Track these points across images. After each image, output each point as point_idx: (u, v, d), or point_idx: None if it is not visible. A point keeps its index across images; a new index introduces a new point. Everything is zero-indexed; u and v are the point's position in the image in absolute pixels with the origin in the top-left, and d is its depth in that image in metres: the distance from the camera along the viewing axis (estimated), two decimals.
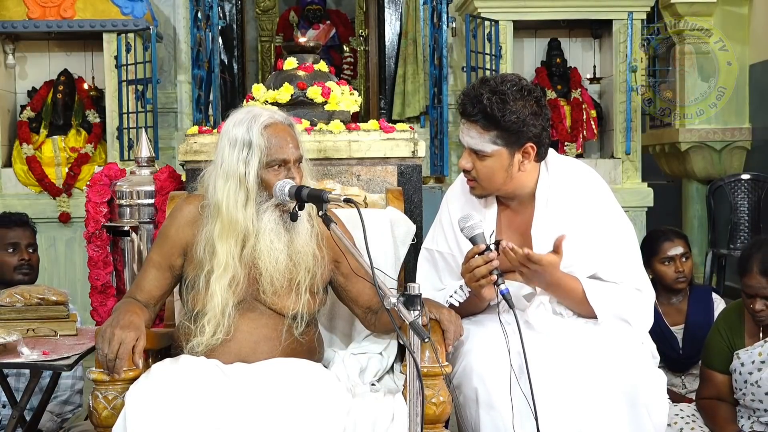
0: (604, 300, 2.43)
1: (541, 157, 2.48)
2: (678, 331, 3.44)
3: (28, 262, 3.50)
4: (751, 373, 2.88)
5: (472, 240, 2.35)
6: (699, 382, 3.15)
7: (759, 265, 2.83)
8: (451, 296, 2.48)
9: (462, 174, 2.55)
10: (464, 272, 2.38)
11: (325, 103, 3.34)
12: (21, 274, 3.46)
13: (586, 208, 2.49)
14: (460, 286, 2.47)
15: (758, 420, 2.91)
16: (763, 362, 2.85)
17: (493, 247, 2.34)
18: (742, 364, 2.90)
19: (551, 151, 2.55)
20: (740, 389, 2.92)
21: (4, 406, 3.24)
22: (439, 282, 2.62)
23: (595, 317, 2.44)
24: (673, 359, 3.39)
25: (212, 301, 2.32)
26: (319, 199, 2.24)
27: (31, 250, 3.53)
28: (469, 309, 2.52)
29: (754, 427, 2.92)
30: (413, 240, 2.89)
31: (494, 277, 2.31)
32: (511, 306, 2.28)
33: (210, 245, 2.35)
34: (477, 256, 2.33)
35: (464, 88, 2.50)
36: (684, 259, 3.45)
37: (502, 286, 2.30)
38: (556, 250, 2.36)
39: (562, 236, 2.37)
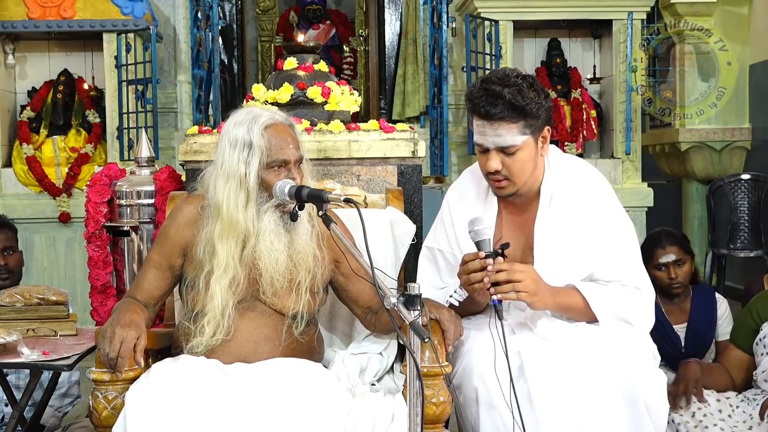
0: (604, 303, 2.43)
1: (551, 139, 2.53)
2: (681, 329, 3.45)
3: (5, 267, 3.40)
4: None
5: (478, 245, 2.35)
6: (718, 353, 3.23)
7: None
8: (451, 296, 2.48)
9: (464, 172, 2.55)
10: (461, 274, 2.38)
11: (325, 103, 3.34)
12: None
13: (588, 206, 2.49)
14: (460, 285, 2.47)
15: None
16: None
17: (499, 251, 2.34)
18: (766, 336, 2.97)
19: (554, 148, 2.55)
20: (763, 353, 2.97)
21: (6, 405, 3.24)
22: (440, 280, 2.62)
23: (596, 321, 2.44)
24: (675, 357, 3.39)
25: (212, 301, 2.32)
26: (319, 199, 2.24)
27: (9, 253, 3.44)
28: (469, 308, 2.52)
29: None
30: (413, 240, 2.89)
31: (487, 283, 2.31)
32: (500, 317, 2.27)
33: (210, 246, 2.35)
34: (477, 260, 2.33)
35: (468, 90, 2.49)
36: (678, 265, 3.45)
37: (495, 297, 2.30)
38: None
39: None
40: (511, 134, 2.40)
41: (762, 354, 2.99)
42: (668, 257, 3.44)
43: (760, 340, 2.99)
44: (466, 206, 2.57)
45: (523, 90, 2.39)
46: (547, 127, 2.47)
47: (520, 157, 2.43)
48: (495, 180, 2.47)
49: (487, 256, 2.31)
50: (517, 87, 2.39)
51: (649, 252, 3.48)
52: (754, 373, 3.04)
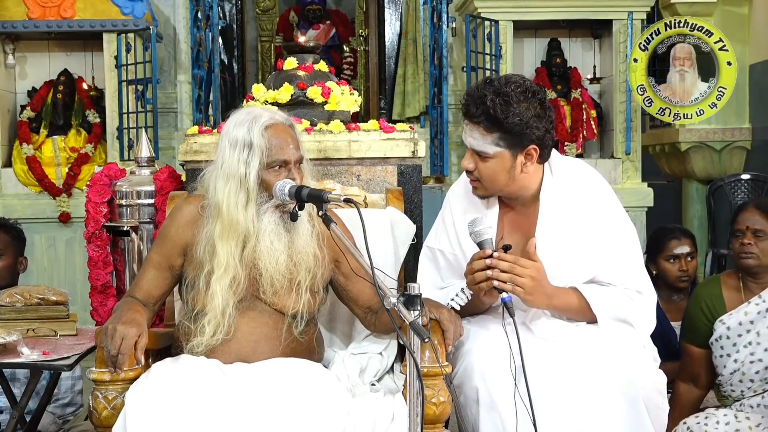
0: (605, 305, 2.42)
1: (544, 159, 2.47)
2: (676, 327, 3.45)
3: None
4: (740, 335, 2.88)
5: (480, 245, 2.35)
6: (680, 359, 3.12)
7: (755, 203, 2.92)
8: (452, 299, 2.48)
9: (465, 173, 2.55)
10: (467, 273, 2.39)
11: (325, 103, 3.34)
12: None
13: (589, 209, 2.49)
14: (462, 289, 2.47)
15: (744, 403, 2.88)
16: (751, 322, 2.87)
17: (500, 252, 2.34)
18: (728, 328, 2.90)
19: (554, 152, 2.55)
20: (723, 355, 2.91)
21: (1, 412, 3.23)
22: (440, 280, 2.62)
23: (596, 322, 2.44)
24: (668, 354, 3.39)
25: (213, 301, 2.32)
26: (319, 199, 2.24)
27: None
28: (471, 310, 2.52)
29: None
30: (413, 240, 2.89)
31: (494, 282, 2.31)
32: (511, 314, 2.27)
33: (210, 245, 2.35)
34: (481, 260, 2.33)
35: (466, 88, 2.50)
36: (689, 259, 3.46)
37: (505, 294, 2.31)
38: (531, 257, 2.37)
39: (533, 241, 2.39)
40: (483, 141, 2.40)
41: (721, 356, 2.93)
42: (683, 248, 3.46)
43: (716, 340, 2.93)
44: (467, 206, 2.57)
45: (511, 103, 2.35)
46: (534, 146, 2.40)
47: (491, 165, 2.42)
48: (470, 178, 2.50)
49: (491, 255, 2.32)
50: (507, 98, 2.35)
51: (661, 243, 3.48)
52: (718, 379, 2.97)
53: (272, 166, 2.34)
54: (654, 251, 3.55)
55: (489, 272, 2.32)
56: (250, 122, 2.36)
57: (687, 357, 3.06)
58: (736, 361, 2.89)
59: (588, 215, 2.48)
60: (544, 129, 2.41)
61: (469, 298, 2.46)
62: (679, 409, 2.98)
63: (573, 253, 2.45)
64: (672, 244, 3.48)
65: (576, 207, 2.48)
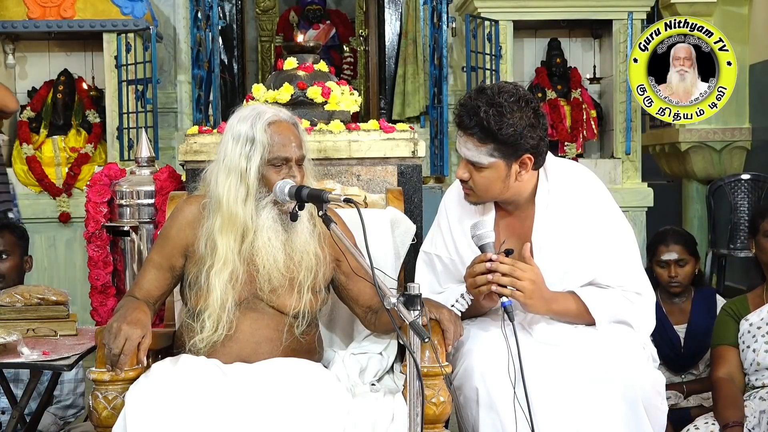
0: (603, 308, 2.42)
1: (538, 165, 2.46)
2: (681, 330, 3.45)
3: None
4: (759, 328, 2.94)
5: (481, 248, 2.35)
6: (712, 363, 3.08)
7: None
8: (452, 305, 2.47)
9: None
10: (467, 276, 2.39)
11: (325, 103, 3.34)
12: None
13: (586, 212, 2.48)
14: (462, 295, 2.46)
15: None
16: None
17: (501, 255, 2.34)
18: (751, 324, 2.96)
19: (549, 155, 2.54)
20: (745, 348, 2.96)
21: (3, 413, 3.23)
22: (438, 285, 2.62)
23: (594, 324, 2.44)
24: (673, 359, 3.39)
25: (212, 295, 2.32)
26: (319, 199, 2.24)
27: (4, 257, 3.40)
28: (471, 312, 2.52)
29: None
30: (413, 240, 2.89)
31: (494, 286, 2.32)
32: (510, 319, 2.28)
33: (211, 240, 2.35)
34: (482, 263, 2.33)
35: (467, 88, 2.50)
36: (680, 265, 3.45)
37: (505, 298, 2.31)
38: (527, 262, 2.37)
39: (527, 245, 2.40)
40: (477, 152, 2.39)
41: (743, 350, 2.98)
42: (670, 255, 3.45)
43: (741, 335, 2.99)
44: (463, 212, 2.57)
45: (505, 114, 2.33)
46: (528, 155, 2.40)
47: (485, 175, 2.42)
48: (463, 187, 2.50)
49: (491, 259, 2.33)
50: (500, 109, 2.34)
51: (653, 248, 3.49)
52: (743, 368, 3.01)
53: (273, 163, 2.35)
54: (649, 255, 3.56)
55: (489, 276, 2.32)
56: (254, 117, 2.37)
57: (722, 359, 3.02)
58: (755, 351, 2.93)
59: (584, 218, 2.47)
60: (539, 138, 2.40)
61: (469, 303, 2.46)
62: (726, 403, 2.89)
63: (570, 257, 2.45)
64: (660, 249, 3.48)
65: (572, 210, 2.48)
